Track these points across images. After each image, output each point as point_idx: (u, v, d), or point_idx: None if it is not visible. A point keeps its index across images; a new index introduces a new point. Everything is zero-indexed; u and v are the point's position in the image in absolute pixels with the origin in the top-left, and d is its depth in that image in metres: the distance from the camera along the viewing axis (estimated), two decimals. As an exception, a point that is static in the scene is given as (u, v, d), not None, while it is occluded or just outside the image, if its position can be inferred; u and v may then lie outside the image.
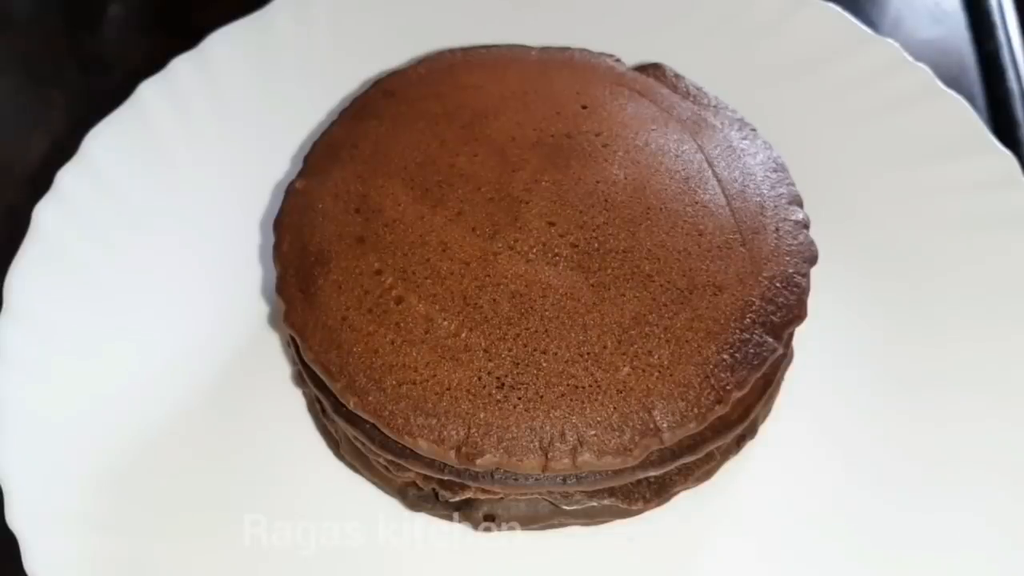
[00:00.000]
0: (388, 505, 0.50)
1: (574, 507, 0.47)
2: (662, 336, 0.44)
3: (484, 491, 0.46)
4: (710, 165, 0.50)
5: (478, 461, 0.43)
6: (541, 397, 0.43)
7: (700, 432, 0.45)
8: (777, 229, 0.48)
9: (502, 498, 0.47)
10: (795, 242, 0.48)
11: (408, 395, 0.44)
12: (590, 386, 0.43)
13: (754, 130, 0.53)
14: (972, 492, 0.48)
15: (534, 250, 0.46)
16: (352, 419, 0.46)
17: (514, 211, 0.47)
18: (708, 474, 0.49)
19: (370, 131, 0.52)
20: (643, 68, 0.56)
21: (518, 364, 0.44)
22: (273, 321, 0.56)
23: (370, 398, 0.44)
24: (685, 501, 0.49)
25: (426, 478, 0.46)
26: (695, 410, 0.43)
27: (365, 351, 0.45)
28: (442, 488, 0.46)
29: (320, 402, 0.49)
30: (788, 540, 0.48)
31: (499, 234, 0.47)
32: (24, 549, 0.46)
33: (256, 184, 0.60)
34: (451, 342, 0.44)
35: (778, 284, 0.47)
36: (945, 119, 0.59)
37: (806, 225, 0.49)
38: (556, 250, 0.46)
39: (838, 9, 0.65)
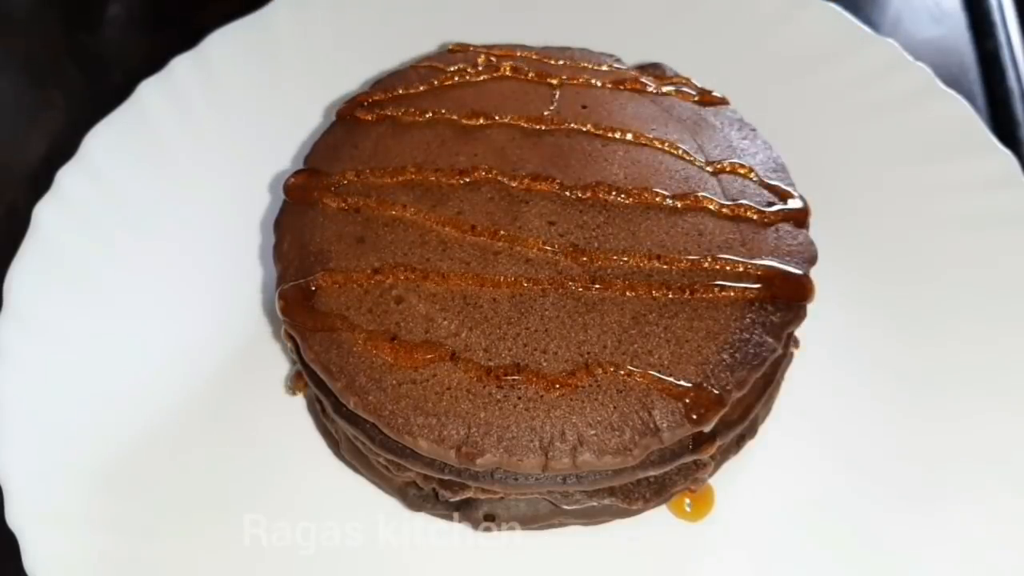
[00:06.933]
0: (388, 505, 0.50)
1: (574, 507, 0.47)
2: (662, 336, 0.44)
3: (484, 491, 0.46)
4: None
5: (478, 460, 0.43)
6: (541, 397, 0.43)
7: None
8: (777, 229, 0.48)
9: (502, 498, 0.47)
10: (795, 242, 0.48)
11: (408, 395, 0.44)
12: (590, 386, 0.43)
13: (754, 130, 0.53)
14: (972, 492, 0.49)
15: (534, 250, 0.46)
16: (352, 419, 0.46)
17: (514, 211, 0.47)
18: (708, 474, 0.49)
19: (370, 131, 0.52)
20: (643, 68, 0.56)
21: (518, 364, 0.44)
22: (273, 321, 0.55)
23: (370, 398, 0.44)
24: (685, 501, 0.49)
25: (426, 478, 0.46)
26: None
27: (365, 351, 0.45)
28: (442, 488, 0.46)
29: (320, 402, 0.49)
30: (787, 540, 0.48)
31: (499, 234, 0.47)
32: (24, 549, 0.46)
33: (256, 184, 0.60)
34: (451, 342, 0.44)
35: (778, 284, 0.47)
36: (945, 119, 0.59)
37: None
38: (556, 250, 0.46)
39: (838, 9, 0.65)
